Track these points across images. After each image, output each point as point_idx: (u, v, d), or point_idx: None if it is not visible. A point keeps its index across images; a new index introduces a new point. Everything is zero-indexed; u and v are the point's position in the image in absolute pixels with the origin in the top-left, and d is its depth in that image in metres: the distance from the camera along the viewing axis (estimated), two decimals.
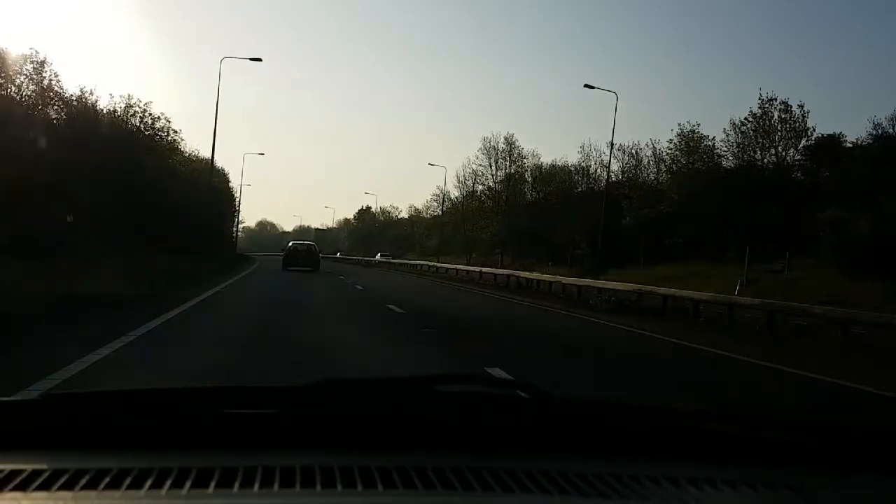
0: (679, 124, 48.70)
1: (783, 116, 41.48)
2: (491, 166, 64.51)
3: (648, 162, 50.36)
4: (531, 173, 62.66)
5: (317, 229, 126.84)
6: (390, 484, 1.13)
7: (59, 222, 20.41)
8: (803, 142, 41.59)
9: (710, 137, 44.98)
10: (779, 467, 1.35)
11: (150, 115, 33.29)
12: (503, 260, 59.46)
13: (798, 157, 41.32)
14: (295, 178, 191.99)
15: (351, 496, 1.10)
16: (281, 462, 1.17)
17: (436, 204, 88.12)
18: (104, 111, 30.41)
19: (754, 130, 42.11)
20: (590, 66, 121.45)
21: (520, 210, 60.04)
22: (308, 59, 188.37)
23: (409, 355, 8.81)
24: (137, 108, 32.77)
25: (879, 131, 37.21)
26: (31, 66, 25.26)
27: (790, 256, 30.45)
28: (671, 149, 47.16)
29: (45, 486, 1.08)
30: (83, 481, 1.10)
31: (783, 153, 41.71)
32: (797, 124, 41.30)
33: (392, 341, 10.01)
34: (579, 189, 57.51)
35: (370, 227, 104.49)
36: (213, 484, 1.10)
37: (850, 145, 38.84)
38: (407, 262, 55.49)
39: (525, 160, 63.12)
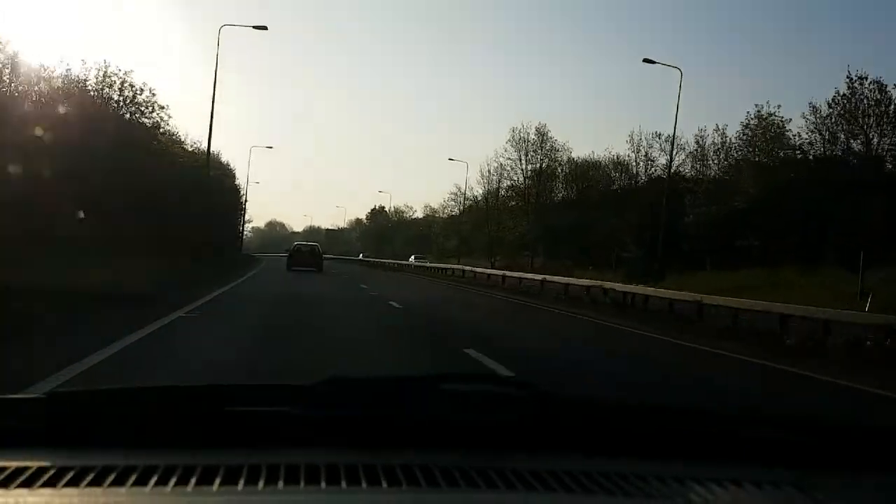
0: (756, 105, 41.58)
1: (877, 98, 35.34)
2: (520, 160, 58.78)
3: (717, 150, 43.85)
4: (565, 167, 57.07)
5: (327, 230, 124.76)
6: (395, 482, 1.13)
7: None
8: None
9: (788, 120, 39.18)
10: (784, 466, 1.34)
11: (132, 85, 27.83)
12: (533, 262, 54.26)
13: (892, 145, 35.35)
14: (305, 177, 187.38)
15: (356, 494, 1.10)
16: (286, 460, 1.17)
17: (453, 203, 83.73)
18: (91, 90, 25.16)
19: (840, 114, 36.13)
20: (631, 49, 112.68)
21: (552, 207, 54.71)
22: (318, 51, 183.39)
23: None
24: (115, 78, 27.29)
25: None
26: None
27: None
28: (744, 135, 41.02)
29: (50, 483, 1.09)
30: (88, 478, 1.10)
31: (877, 140, 35.73)
32: (893, 107, 35.25)
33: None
34: (616, 185, 52.15)
35: (383, 227, 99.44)
36: (217, 481, 1.10)
37: None
38: (439, 265, 47.37)
39: (558, 153, 57.57)
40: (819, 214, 31.85)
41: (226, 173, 51.55)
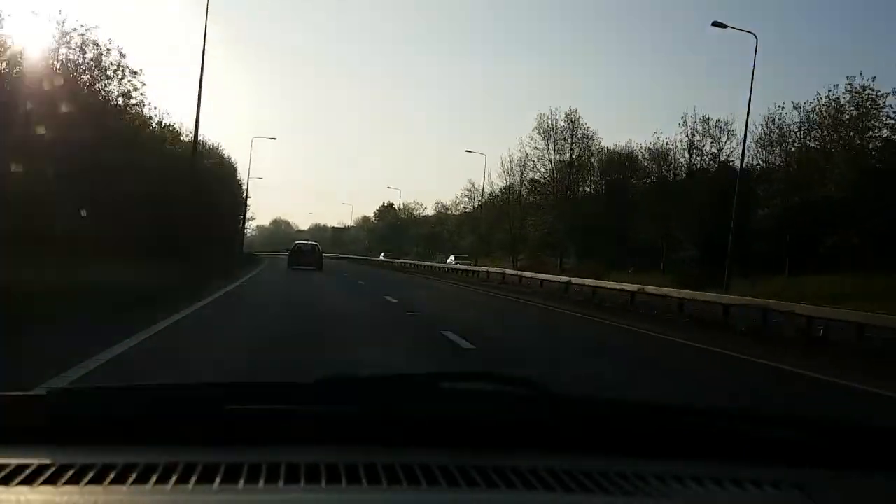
0: (848, 78, 34.59)
1: None
2: (548, 149, 53.32)
3: (799, 130, 37.37)
4: (599, 157, 51.71)
5: (333, 228, 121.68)
6: (395, 480, 1.13)
7: None
8: None
9: (884, 95, 32.64)
10: (785, 466, 1.34)
11: (95, 44, 21.64)
12: (562, 263, 49.04)
13: None
14: (311, 174, 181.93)
15: (356, 493, 1.10)
16: (286, 458, 1.17)
17: (467, 199, 79.06)
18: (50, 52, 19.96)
19: None
20: (664, 29, 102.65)
21: (584, 201, 49.36)
22: (326, 39, 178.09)
23: None
24: (74, 35, 21.01)
25: None
26: None
27: None
28: (829, 111, 34.88)
29: (50, 481, 1.09)
30: (89, 476, 1.10)
31: None
32: None
33: None
34: (653, 176, 46.86)
35: (393, 225, 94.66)
36: (218, 480, 1.10)
37: None
38: (492, 269, 34.98)
39: (591, 142, 52.17)
40: None
41: (225, 165, 47.53)
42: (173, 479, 1.10)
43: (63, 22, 20.72)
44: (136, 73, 22.97)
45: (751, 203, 32.22)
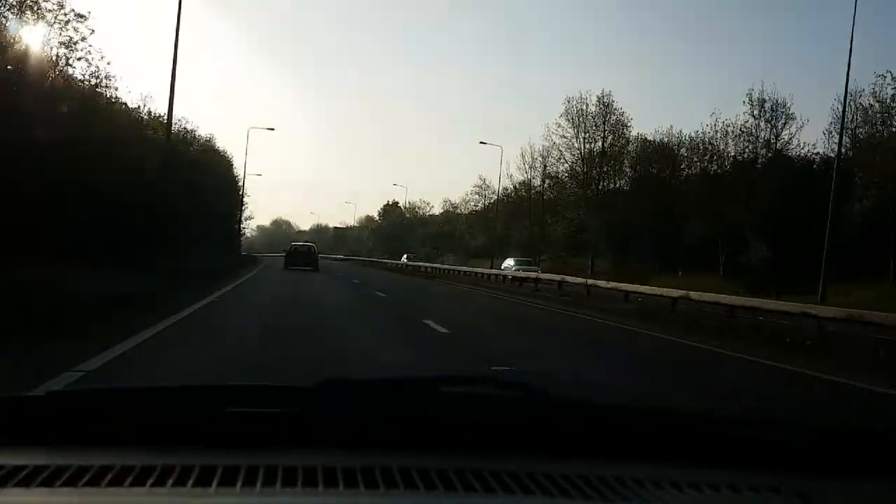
0: None
1: None
2: (577, 137, 47.98)
3: None
4: (635, 146, 46.61)
5: (335, 228, 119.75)
6: (392, 484, 1.13)
7: None
8: None
9: None
10: (782, 471, 1.34)
11: (53, 12, 16.84)
12: (594, 265, 44.19)
13: None
14: (312, 173, 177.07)
15: (353, 496, 1.10)
16: (283, 461, 1.17)
17: (478, 196, 74.40)
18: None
19: None
20: None
21: (620, 194, 44.26)
22: (323, 29, 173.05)
23: None
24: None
25: None
26: None
27: None
28: None
29: (47, 483, 1.08)
30: (86, 478, 1.10)
31: None
32: None
33: None
34: (692, 168, 41.93)
35: (398, 224, 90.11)
36: (215, 482, 1.10)
37: None
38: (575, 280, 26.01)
39: (627, 128, 46.94)
40: None
41: (219, 157, 43.77)
42: (170, 481, 1.09)
43: None
44: (82, 17, 17.80)
45: (848, 194, 27.08)
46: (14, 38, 14.98)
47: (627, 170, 47.19)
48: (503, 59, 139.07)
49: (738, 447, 1.38)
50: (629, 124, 47.26)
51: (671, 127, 51.30)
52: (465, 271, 38.03)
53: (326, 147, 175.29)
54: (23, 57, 14.98)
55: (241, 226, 61.26)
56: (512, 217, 57.50)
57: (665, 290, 18.76)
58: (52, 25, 16.98)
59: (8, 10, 15.56)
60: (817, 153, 36.32)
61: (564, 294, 22.23)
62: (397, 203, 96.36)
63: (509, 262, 39.87)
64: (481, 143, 62.43)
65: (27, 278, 10.41)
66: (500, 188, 57.36)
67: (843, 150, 24.48)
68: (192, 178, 27.98)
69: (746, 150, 39.74)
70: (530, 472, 1.20)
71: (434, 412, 1.37)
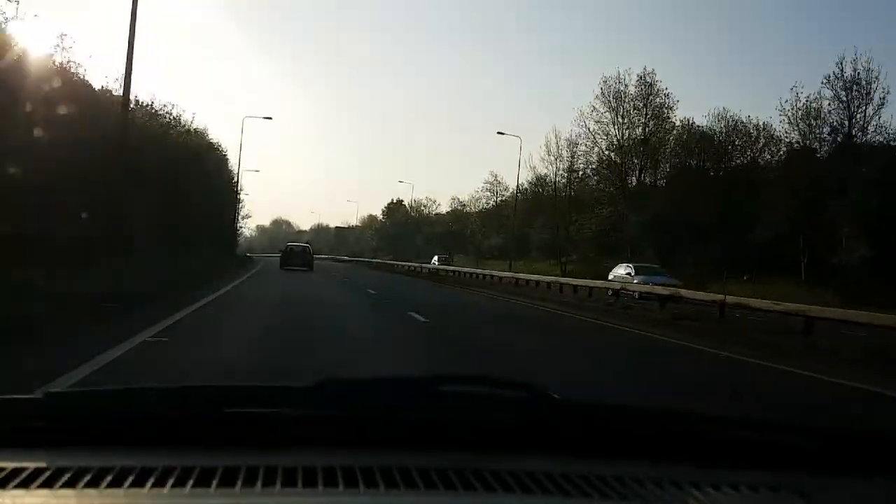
0: None
1: None
2: (615, 122, 42.48)
3: None
4: (684, 131, 41.20)
5: (337, 227, 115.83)
6: (392, 484, 1.13)
7: None
8: None
9: None
10: (782, 470, 1.34)
11: None
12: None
13: None
14: (313, 172, 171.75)
15: (353, 496, 1.10)
16: (283, 462, 1.17)
17: (489, 193, 69.52)
18: None
19: None
20: None
21: (676, 186, 38.76)
22: (322, 18, 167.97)
23: None
24: None
25: None
26: None
27: None
28: None
29: (47, 485, 1.09)
30: (85, 479, 1.10)
31: None
32: None
33: None
34: (765, 156, 36.82)
35: (403, 224, 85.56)
36: (215, 483, 1.10)
37: None
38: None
39: (672, 111, 41.49)
40: None
41: (218, 156, 41.43)
42: (170, 481, 1.09)
43: None
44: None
45: None
46: None
47: (673, 160, 41.67)
48: (517, 50, 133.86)
49: (738, 447, 1.38)
50: (675, 107, 41.74)
51: (724, 110, 42.97)
52: (524, 279, 28.48)
53: (327, 145, 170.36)
54: None
55: (239, 225, 57.59)
56: (529, 215, 52.66)
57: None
58: None
59: None
60: None
61: (681, 317, 15.65)
62: (402, 201, 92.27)
63: (624, 271, 27.48)
64: (499, 133, 56.53)
65: None
66: (519, 182, 52.42)
67: None
68: (166, 166, 23.09)
69: (832, 134, 34.12)
70: (530, 472, 1.20)
71: (434, 411, 1.37)
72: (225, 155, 45.31)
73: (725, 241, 31.69)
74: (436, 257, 54.76)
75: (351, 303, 16.86)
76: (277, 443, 1.25)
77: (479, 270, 36.87)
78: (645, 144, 41.26)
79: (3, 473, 1.10)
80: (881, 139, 31.88)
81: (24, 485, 1.08)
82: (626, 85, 41.70)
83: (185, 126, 32.38)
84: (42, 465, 1.13)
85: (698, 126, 40.44)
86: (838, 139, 33.23)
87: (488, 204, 71.92)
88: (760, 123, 37.93)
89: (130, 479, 1.09)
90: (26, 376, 5.36)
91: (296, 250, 38.23)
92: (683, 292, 19.03)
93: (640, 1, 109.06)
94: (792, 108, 34.75)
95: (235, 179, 47.50)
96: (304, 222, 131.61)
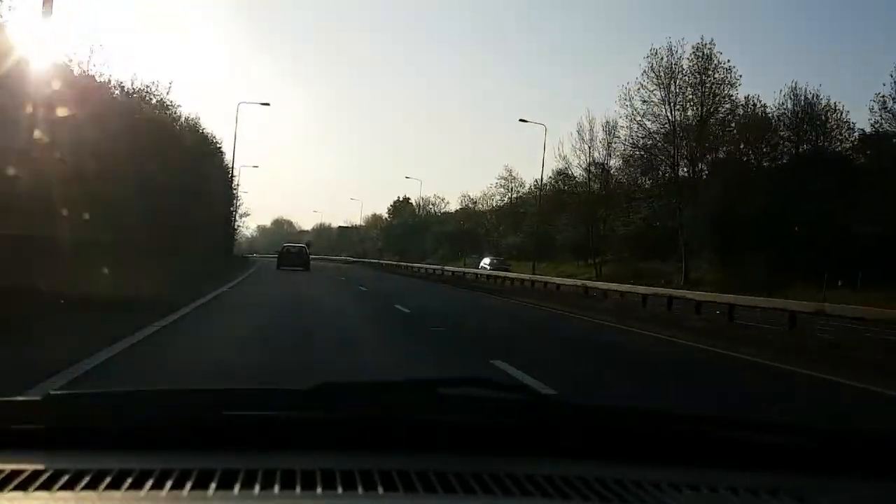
0: None
1: None
2: (667, 101, 36.24)
3: None
4: (747, 113, 35.82)
5: (340, 227, 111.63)
6: (391, 487, 1.13)
7: None
8: None
9: None
10: (781, 472, 1.33)
11: None
12: (687, 272, 34.06)
13: None
14: (314, 169, 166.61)
15: (352, 499, 1.11)
16: (282, 464, 1.17)
17: (503, 189, 64.61)
18: None
19: None
20: None
21: (731, 181, 33.32)
22: (321, 7, 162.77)
23: None
24: None
25: None
26: None
27: None
28: None
29: (45, 487, 1.09)
30: (84, 482, 1.10)
31: None
32: None
33: None
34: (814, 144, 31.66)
35: (410, 222, 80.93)
36: (213, 485, 1.10)
37: None
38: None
39: (734, 88, 35.67)
40: None
41: (213, 149, 38.43)
42: (168, 484, 1.09)
43: None
44: None
45: None
46: None
47: (736, 145, 36.02)
48: (518, 49, 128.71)
49: (737, 449, 1.38)
50: (737, 83, 35.68)
51: (797, 85, 36.29)
52: (647, 293, 19.30)
53: (328, 144, 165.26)
54: None
55: (236, 224, 53.21)
56: (551, 212, 47.78)
57: None
58: None
59: None
60: None
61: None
62: (409, 199, 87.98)
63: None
64: (521, 120, 50.50)
65: None
66: (542, 174, 47.32)
67: None
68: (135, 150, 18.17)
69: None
70: (529, 475, 1.20)
71: (433, 414, 1.37)
72: (219, 147, 41.14)
73: (824, 240, 26.49)
74: (485, 260, 48.12)
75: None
76: (276, 445, 1.25)
77: (549, 279, 27.70)
78: (703, 126, 35.47)
79: (2, 475, 1.10)
80: None
81: (23, 487, 1.07)
82: (679, 58, 35.93)
83: (156, 99, 27.10)
84: (40, 467, 1.13)
85: (764, 105, 35.11)
86: None
87: (502, 201, 67.33)
88: (841, 106, 32.67)
89: (129, 481, 1.09)
90: None
91: (292, 251, 39.35)
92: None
93: (640, 1, 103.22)
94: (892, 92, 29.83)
95: (231, 174, 43.86)
96: (306, 222, 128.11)
